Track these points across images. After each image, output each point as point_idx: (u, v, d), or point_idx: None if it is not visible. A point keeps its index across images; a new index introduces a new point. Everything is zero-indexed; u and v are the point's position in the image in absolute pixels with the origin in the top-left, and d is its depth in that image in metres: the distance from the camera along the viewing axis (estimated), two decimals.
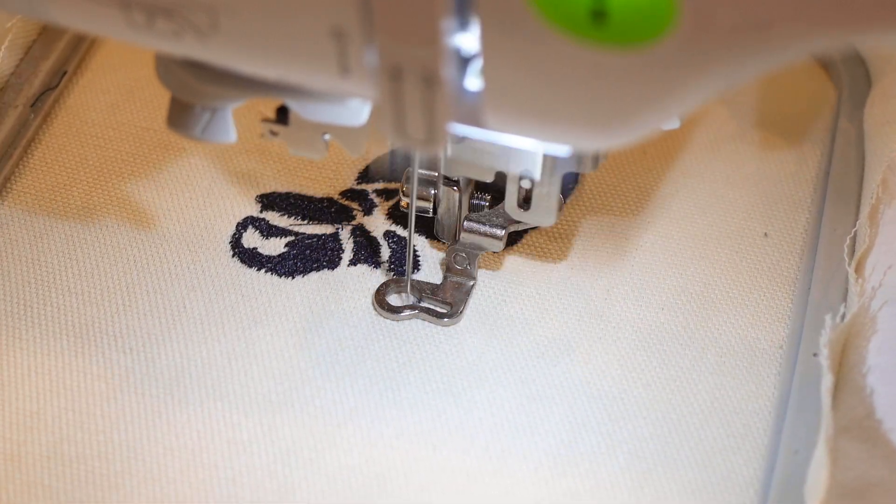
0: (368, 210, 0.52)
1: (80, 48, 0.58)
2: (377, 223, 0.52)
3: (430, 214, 0.49)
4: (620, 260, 0.51)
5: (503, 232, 0.48)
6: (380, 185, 0.53)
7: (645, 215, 0.52)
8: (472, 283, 0.49)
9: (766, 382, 0.46)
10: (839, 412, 0.43)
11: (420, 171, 0.48)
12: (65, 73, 0.57)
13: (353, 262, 0.50)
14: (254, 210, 0.52)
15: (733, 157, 0.55)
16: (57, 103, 0.56)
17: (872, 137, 0.53)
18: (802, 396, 0.45)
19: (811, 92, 0.58)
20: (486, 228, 0.48)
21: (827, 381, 0.43)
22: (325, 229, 0.51)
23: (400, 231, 0.51)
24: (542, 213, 0.46)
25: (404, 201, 0.50)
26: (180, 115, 0.41)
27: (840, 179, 0.53)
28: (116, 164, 0.54)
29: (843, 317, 0.46)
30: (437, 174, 0.48)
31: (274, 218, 0.52)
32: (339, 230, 0.51)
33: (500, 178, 0.46)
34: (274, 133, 0.42)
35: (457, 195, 0.48)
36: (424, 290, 0.49)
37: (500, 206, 0.48)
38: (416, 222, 0.49)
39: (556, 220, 0.47)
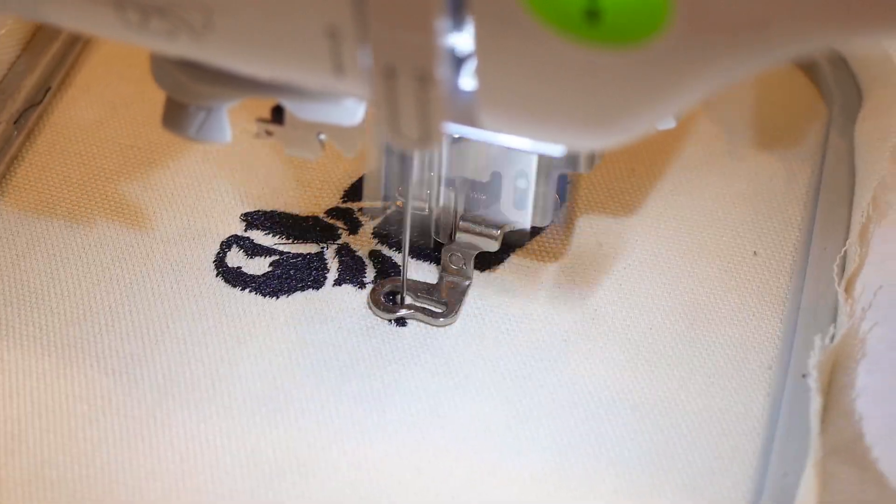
0: (354, 229, 0.52)
1: (65, 64, 0.57)
2: (363, 242, 0.51)
3: (427, 213, 0.49)
4: (608, 279, 0.50)
5: (499, 231, 0.48)
6: (366, 204, 0.53)
7: (633, 233, 0.52)
8: (467, 283, 0.49)
9: (755, 404, 0.46)
10: (828, 435, 0.42)
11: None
12: (48, 89, 0.56)
13: (338, 283, 0.50)
14: (238, 229, 0.52)
15: (723, 175, 0.54)
16: (41, 120, 0.56)
17: (863, 154, 0.52)
18: (792, 418, 0.44)
19: (802, 108, 0.57)
20: (482, 228, 0.48)
21: (816, 403, 0.42)
22: (309, 248, 0.51)
23: (385, 251, 0.51)
24: (538, 213, 0.46)
25: (399, 201, 0.49)
26: (175, 115, 0.41)
27: (830, 197, 0.52)
28: (100, 182, 0.53)
29: (832, 337, 0.45)
30: (433, 173, 0.48)
31: (258, 237, 0.51)
32: (325, 249, 0.51)
33: (497, 177, 0.46)
34: (269, 133, 0.42)
35: (453, 194, 0.48)
36: (420, 290, 0.49)
37: (495, 205, 0.47)
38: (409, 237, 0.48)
39: (552, 220, 0.47)
